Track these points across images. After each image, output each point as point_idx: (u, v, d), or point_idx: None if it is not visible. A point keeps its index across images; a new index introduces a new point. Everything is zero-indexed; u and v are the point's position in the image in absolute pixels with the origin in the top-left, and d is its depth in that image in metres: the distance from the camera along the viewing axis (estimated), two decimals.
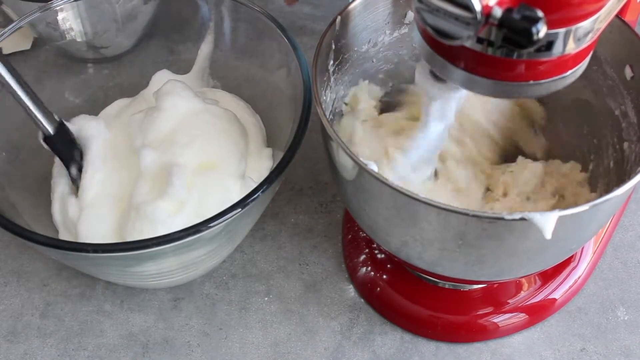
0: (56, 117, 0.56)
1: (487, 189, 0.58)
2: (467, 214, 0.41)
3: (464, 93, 0.48)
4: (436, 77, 0.46)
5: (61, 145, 0.56)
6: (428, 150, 0.53)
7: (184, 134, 0.57)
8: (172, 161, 0.55)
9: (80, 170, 0.57)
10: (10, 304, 0.60)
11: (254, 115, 0.64)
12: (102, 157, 0.58)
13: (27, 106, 0.54)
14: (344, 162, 0.46)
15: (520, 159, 0.58)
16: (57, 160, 0.59)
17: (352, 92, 0.59)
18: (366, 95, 0.60)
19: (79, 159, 0.57)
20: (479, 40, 0.36)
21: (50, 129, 0.55)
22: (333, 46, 0.53)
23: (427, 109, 0.49)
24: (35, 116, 0.54)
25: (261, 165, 0.60)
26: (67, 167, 0.57)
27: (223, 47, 0.66)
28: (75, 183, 0.58)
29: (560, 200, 0.56)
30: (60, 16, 0.64)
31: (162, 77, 0.64)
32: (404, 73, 0.61)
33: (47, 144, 0.56)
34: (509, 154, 0.60)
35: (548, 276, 0.59)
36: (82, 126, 0.59)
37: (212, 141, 0.57)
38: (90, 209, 0.56)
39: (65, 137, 0.57)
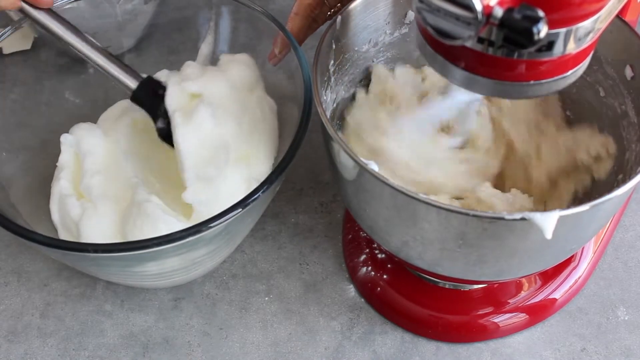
0: (142, 75, 0.58)
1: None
2: (467, 214, 0.41)
3: None
4: None
5: (146, 99, 0.57)
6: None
7: (237, 106, 0.57)
8: (223, 142, 0.55)
9: (167, 124, 0.57)
10: (11, 303, 0.60)
11: None
12: (103, 162, 0.59)
13: (105, 67, 0.56)
14: (345, 162, 0.46)
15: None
16: (58, 161, 0.59)
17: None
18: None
19: (164, 113, 0.57)
20: (480, 40, 0.36)
21: (132, 84, 0.56)
22: (333, 46, 0.53)
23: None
24: (115, 75, 0.56)
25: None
26: (154, 120, 0.58)
27: (223, 47, 0.66)
28: (160, 135, 0.58)
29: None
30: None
31: (162, 78, 0.64)
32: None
33: (132, 99, 0.57)
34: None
35: (548, 276, 0.59)
36: (81, 137, 0.59)
37: (256, 129, 0.57)
38: (92, 209, 0.56)
39: (151, 92, 0.57)
